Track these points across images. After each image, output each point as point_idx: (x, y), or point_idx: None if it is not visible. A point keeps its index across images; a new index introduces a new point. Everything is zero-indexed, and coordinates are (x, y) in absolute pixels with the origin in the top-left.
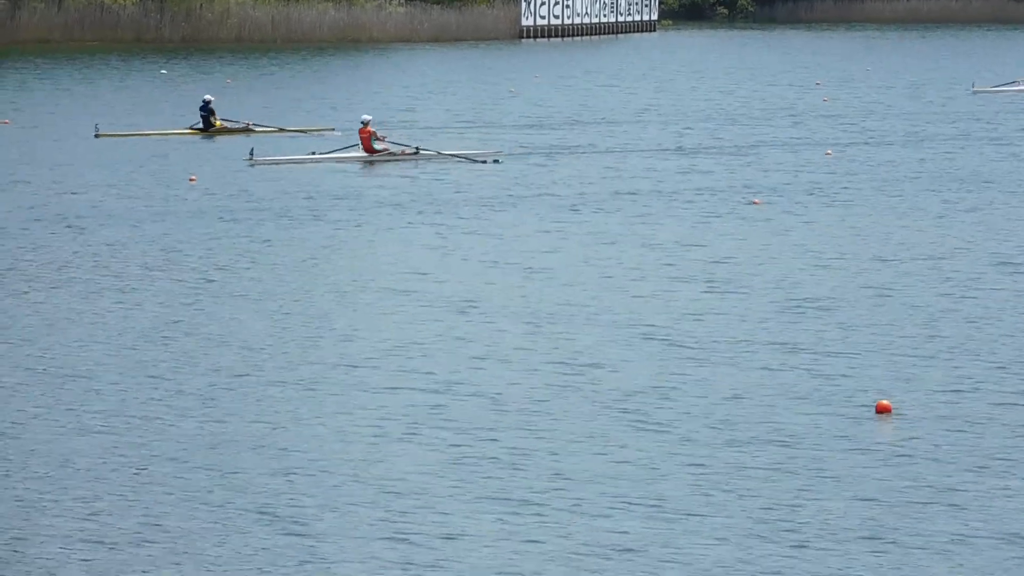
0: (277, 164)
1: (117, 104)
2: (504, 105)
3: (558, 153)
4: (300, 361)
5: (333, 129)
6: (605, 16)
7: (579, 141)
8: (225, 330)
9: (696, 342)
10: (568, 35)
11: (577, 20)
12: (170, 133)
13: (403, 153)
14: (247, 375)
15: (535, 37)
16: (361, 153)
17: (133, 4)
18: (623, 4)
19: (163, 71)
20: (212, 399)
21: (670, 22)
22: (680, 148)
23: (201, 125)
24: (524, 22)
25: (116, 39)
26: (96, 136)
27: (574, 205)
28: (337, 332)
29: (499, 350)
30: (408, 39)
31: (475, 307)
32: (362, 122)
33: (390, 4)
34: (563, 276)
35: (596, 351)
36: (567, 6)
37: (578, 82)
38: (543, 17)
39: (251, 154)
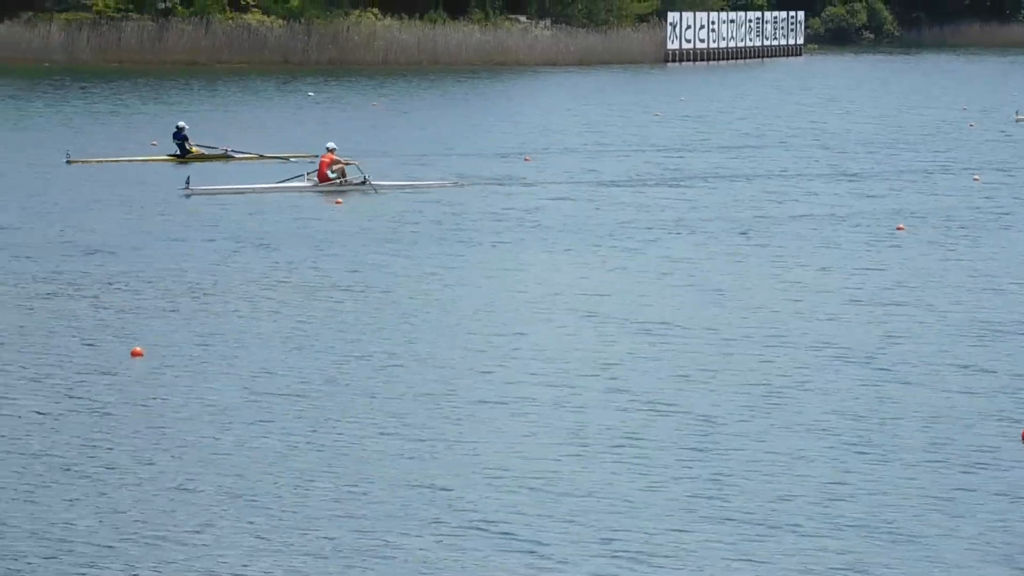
0: (214, 194)
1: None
2: (649, 128)
3: (717, 177)
4: (495, 380)
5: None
6: (750, 40)
7: (731, 165)
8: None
9: (888, 363)
10: (713, 59)
11: (722, 44)
12: (145, 159)
13: (353, 183)
14: (452, 394)
15: (680, 61)
16: (306, 183)
17: (280, 27)
18: (768, 28)
19: (311, 93)
20: (411, 418)
21: (816, 47)
22: (835, 172)
23: (177, 152)
24: (669, 46)
25: (262, 61)
26: (68, 162)
27: (745, 230)
28: (530, 350)
29: (696, 370)
30: (553, 62)
31: (666, 328)
32: (327, 148)
33: (536, 27)
34: (740, 297)
35: (783, 370)
36: (712, 30)
37: (725, 106)
38: (688, 41)
39: (187, 183)
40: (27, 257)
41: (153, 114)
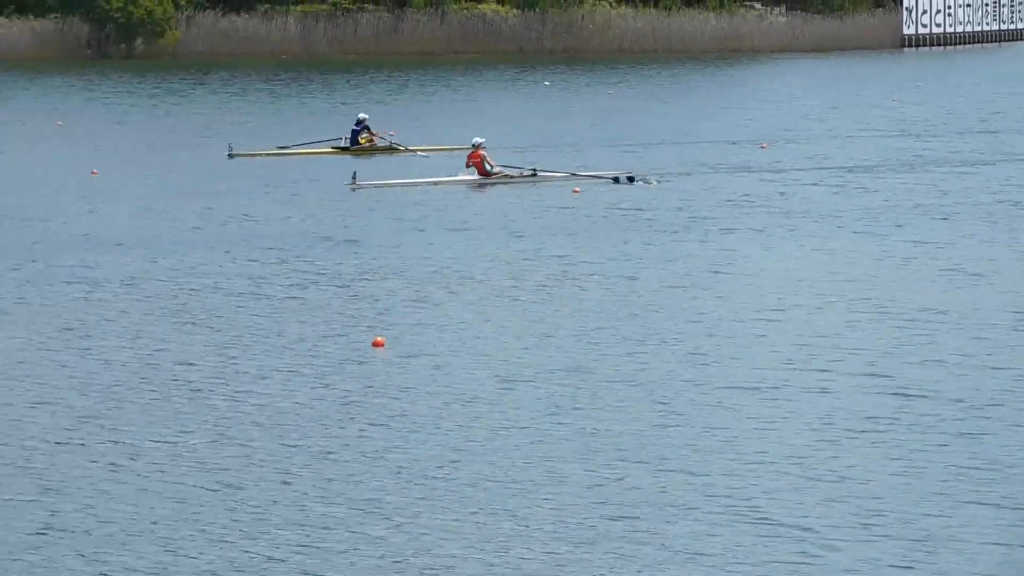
0: (380, 188)
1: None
2: (887, 114)
3: (959, 163)
4: (745, 366)
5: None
6: (987, 24)
7: (972, 150)
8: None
9: None
10: (949, 44)
11: (959, 28)
12: (309, 152)
13: (520, 175)
14: (702, 380)
15: (916, 46)
16: (475, 176)
17: (515, 16)
18: (1006, 12)
19: (546, 83)
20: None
21: None
22: None
23: (344, 143)
24: (905, 31)
25: (497, 51)
26: (230, 156)
27: (990, 214)
28: (776, 337)
29: (949, 355)
30: (788, 49)
31: (916, 312)
32: (473, 145)
33: (771, 14)
34: (991, 281)
35: None
36: (949, 14)
37: (964, 91)
38: (924, 26)
39: (353, 177)
40: (260, 250)
41: (387, 104)
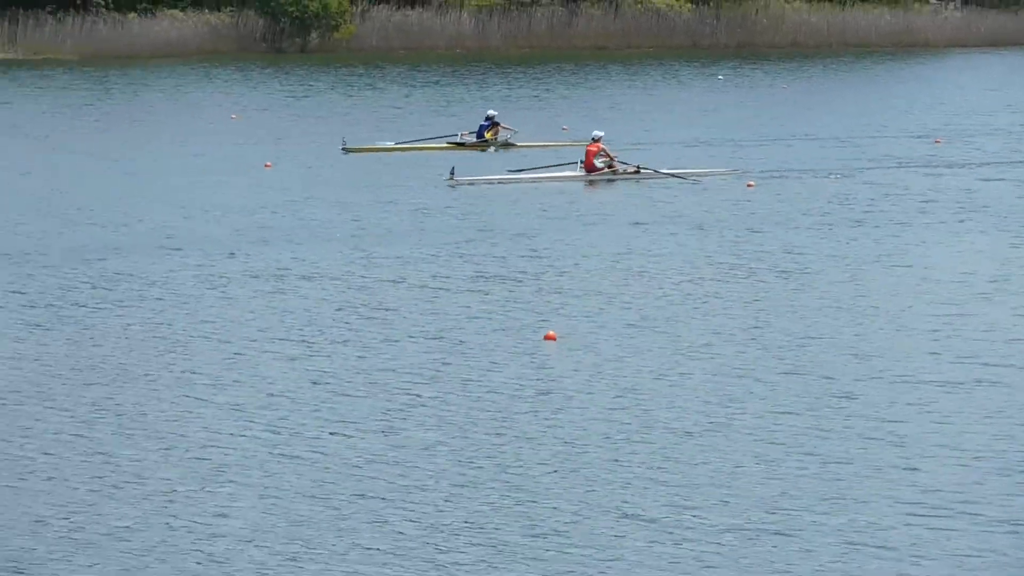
0: (478, 184)
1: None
2: None
3: None
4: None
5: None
6: None
7: None
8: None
9: None
10: None
11: None
12: (423, 148)
13: (625, 172)
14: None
15: None
16: (577, 172)
17: (689, 11)
18: None
19: (720, 77)
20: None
21: None
22: None
23: (461, 139)
24: None
25: (671, 45)
26: (344, 150)
27: None
28: (959, 333)
29: None
30: (963, 44)
31: None
32: (593, 138)
33: (946, 8)
34: None
35: None
36: None
37: None
38: None
39: (451, 173)
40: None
41: (564, 98)
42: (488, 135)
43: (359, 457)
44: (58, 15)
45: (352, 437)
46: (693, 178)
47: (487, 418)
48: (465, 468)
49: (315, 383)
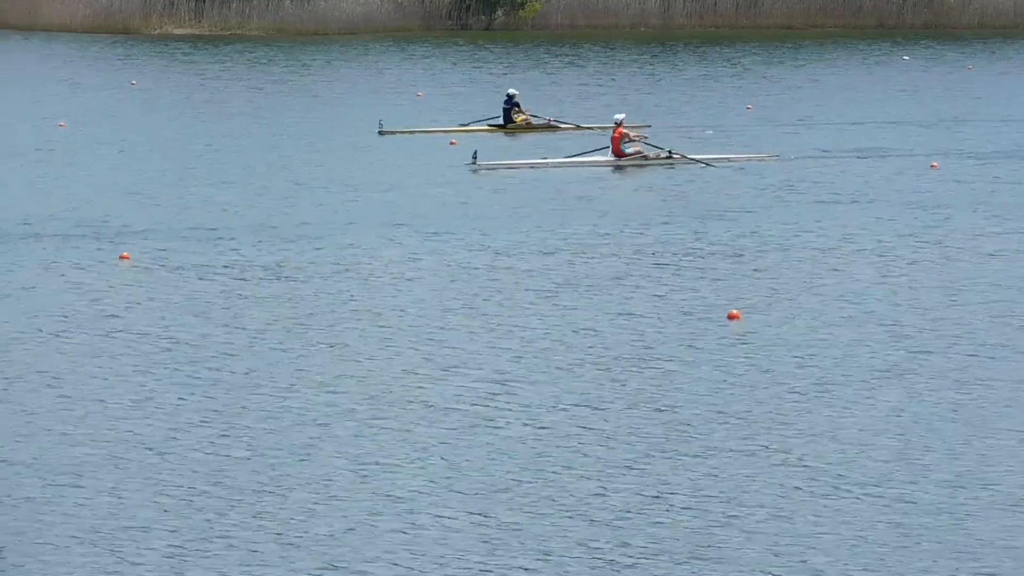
0: (501, 169)
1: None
2: None
3: None
4: None
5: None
6: None
7: None
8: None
9: None
10: None
11: None
12: (461, 130)
13: (656, 156)
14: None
15: None
16: (608, 157)
17: None
18: None
19: (905, 57)
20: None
21: None
22: None
23: (500, 121)
24: None
25: (856, 25)
26: (380, 132)
27: None
28: None
29: None
30: None
31: None
32: (615, 122)
33: None
34: None
35: None
36: None
37: None
38: None
39: (474, 158)
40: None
41: (746, 79)
42: (518, 119)
43: (558, 434)
44: None
45: (546, 416)
46: (727, 163)
47: (678, 396)
48: (661, 448)
49: (506, 365)
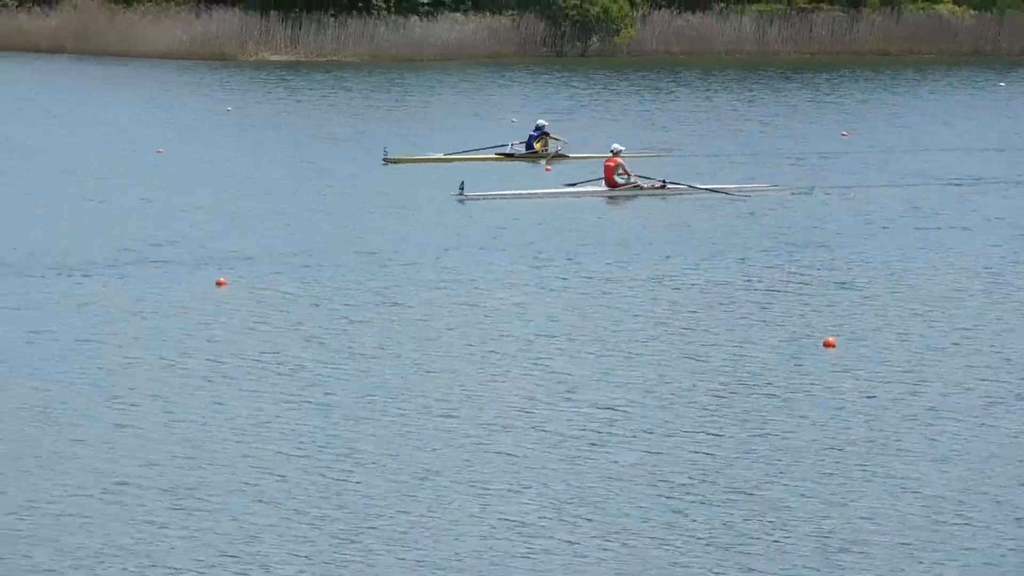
0: (489, 199)
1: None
2: None
3: None
4: None
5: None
6: None
7: None
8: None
9: None
10: None
11: None
12: (468, 158)
13: (651, 187)
14: None
15: None
16: (601, 187)
17: (971, 17)
18: None
19: (1001, 84)
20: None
21: None
22: None
23: (511, 150)
24: None
25: (952, 52)
26: (384, 161)
27: None
28: None
29: None
30: None
31: None
32: (612, 151)
33: None
34: None
35: None
36: None
37: None
38: None
39: (461, 188)
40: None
41: (842, 107)
42: (537, 146)
43: (649, 458)
44: (340, 18)
45: (654, 442)
46: (726, 194)
47: (784, 421)
48: (766, 471)
49: (613, 392)
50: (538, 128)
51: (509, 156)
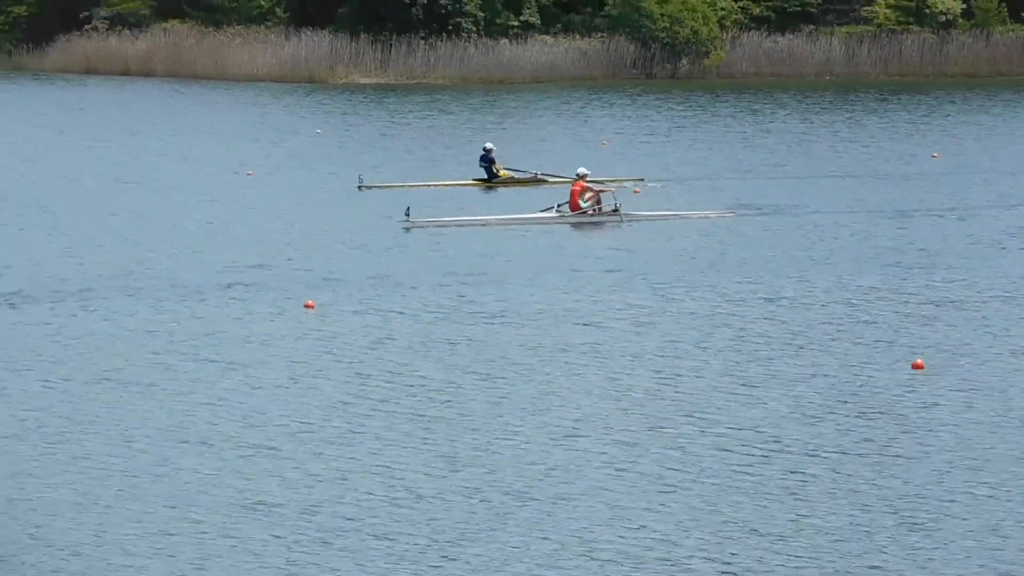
0: (435, 226)
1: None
2: None
3: None
4: None
5: (642, 179)
6: None
7: None
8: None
9: None
10: None
11: None
12: (444, 184)
13: (604, 211)
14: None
15: None
16: (553, 215)
17: None
18: None
19: None
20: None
21: None
22: None
23: (484, 176)
24: None
25: None
26: (360, 187)
27: None
28: None
29: None
30: None
31: None
32: (577, 175)
33: None
34: None
35: None
36: None
37: None
38: None
39: (407, 214)
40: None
41: (932, 127)
42: (502, 173)
43: (732, 482)
44: (430, 40)
45: (749, 463)
46: (677, 218)
47: (872, 440)
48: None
49: (698, 410)
50: (485, 151)
51: (484, 182)
